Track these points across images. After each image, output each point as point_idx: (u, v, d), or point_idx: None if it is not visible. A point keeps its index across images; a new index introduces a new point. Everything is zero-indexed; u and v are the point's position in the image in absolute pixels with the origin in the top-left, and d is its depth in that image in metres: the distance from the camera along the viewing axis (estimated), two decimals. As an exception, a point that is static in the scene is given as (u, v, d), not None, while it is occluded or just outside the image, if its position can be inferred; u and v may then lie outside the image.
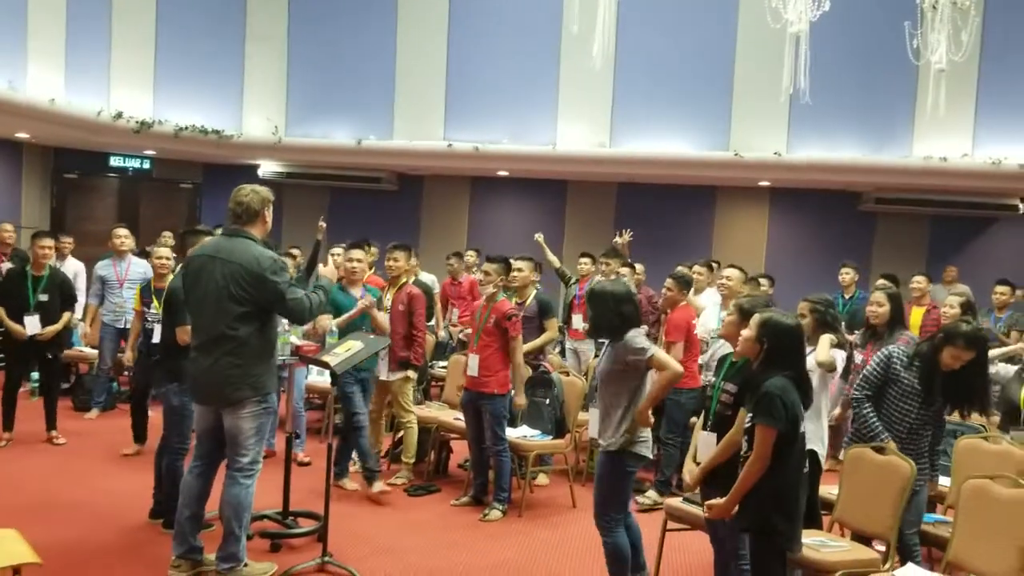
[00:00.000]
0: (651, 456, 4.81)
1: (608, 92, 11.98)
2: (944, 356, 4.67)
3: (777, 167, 11.62)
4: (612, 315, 4.68)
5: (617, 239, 9.32)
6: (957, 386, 4.73)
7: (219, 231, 5.82)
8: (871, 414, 4.87)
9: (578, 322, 8.66)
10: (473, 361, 6.28)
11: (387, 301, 6.96)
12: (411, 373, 6.70)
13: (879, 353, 5.02)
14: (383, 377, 6.77)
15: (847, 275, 9.32)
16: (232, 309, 4.56)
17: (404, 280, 6.92)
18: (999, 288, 8.82)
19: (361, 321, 6.47)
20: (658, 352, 4.68)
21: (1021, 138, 11.05)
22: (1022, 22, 11.05)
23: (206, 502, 4.86)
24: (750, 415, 3.88)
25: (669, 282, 6.80)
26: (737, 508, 3.95)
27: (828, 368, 4.99)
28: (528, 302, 7.27)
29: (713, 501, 4.03)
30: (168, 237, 10.71)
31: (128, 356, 6.66)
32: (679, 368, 4.68)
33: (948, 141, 11.14)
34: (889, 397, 4.86)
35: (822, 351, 4.96)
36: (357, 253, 6.79)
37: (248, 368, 4.61)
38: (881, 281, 8.64)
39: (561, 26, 11.76)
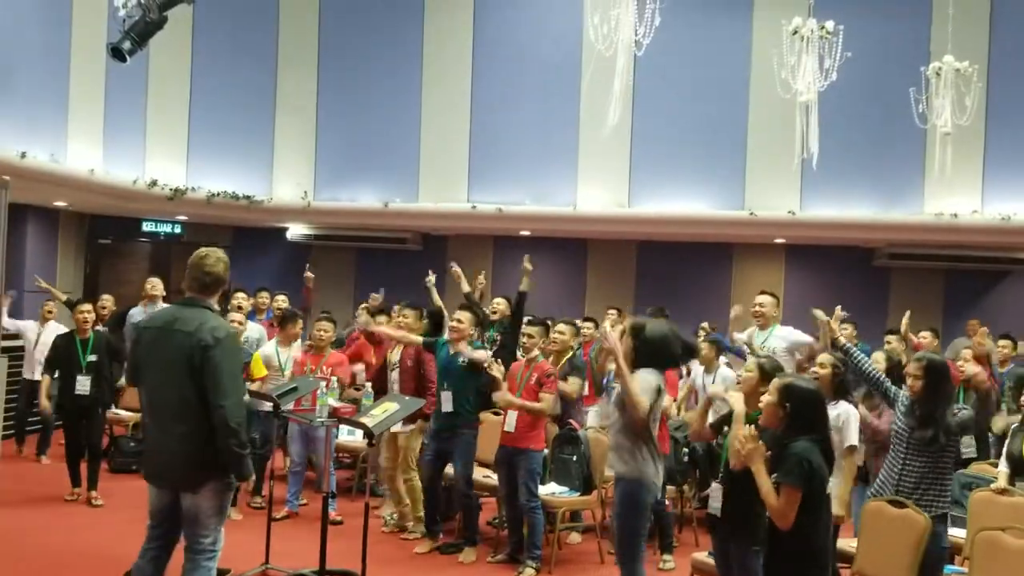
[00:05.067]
0: (659, 487, 4.96)
1: (626, 155, 12.35)
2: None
3: (791, 225, 11.92)
4: (639, 347, 4.94)
5: None
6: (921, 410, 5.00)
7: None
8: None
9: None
10: (511, 418, 6.46)
11: (395, 356, 7.32)
12: (420, 424, 7.01)
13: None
14: (393, 429, 6.96)
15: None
16: (191, 384, 4.19)
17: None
18: (1000, 342, 9.05)
19: None
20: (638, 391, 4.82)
21: (1030, 194, 11.34)
22: (1025, 85, 11.40)
23: None
24: (774, 476, 3.92)
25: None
26: (765, 570, 4.09)
27: None
28: (562, 364, 7.24)
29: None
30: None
31: None
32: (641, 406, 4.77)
33: (958, 198, 11.41)
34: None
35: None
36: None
37: (209, 447, 4.19)
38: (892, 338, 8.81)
39: (580, 92, 12.18)
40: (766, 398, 4.14)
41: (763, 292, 7.68)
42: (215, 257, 4.45)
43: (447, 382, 6.71)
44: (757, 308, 7.40)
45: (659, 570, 6.54)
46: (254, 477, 4.48)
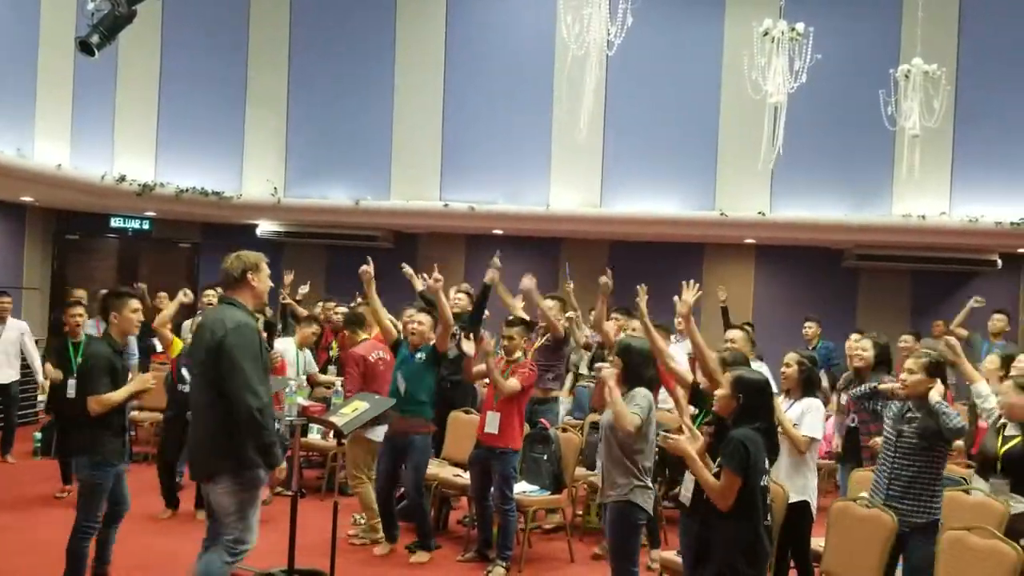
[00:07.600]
0: (649, 508, 5.05)
1: (598, 154, 12.36)
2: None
3: (761, 226, 12.00)
4: (633, 370, 4.97)
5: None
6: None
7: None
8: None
9: None
10: (493, 418, 6.36)
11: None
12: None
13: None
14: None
15: (810, 329, 10.05)
16: (205, 379, 4.49)
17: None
18: (996, 316, 9.94)
19: None
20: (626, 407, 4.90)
21: (996, 197, 11.44)
22: (994, 89, 11.49)
23: None
24: (717, 462, 4.12)
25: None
26: (698, 560, 4.22)
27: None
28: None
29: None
30: (164, 297, 10.77)
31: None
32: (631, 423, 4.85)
33: (926, 200, 11.53)
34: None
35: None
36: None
37: (224, 441, 4.40)
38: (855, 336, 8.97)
39: (552, 92, 12.19)
40: (719, 391, 4.32)
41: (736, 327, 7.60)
42: (233, 256, 4.67)
43: (402, 380, 6.58)
44: (728, 345, 7.17)
45: (648, 570, 6.57)
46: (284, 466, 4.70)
